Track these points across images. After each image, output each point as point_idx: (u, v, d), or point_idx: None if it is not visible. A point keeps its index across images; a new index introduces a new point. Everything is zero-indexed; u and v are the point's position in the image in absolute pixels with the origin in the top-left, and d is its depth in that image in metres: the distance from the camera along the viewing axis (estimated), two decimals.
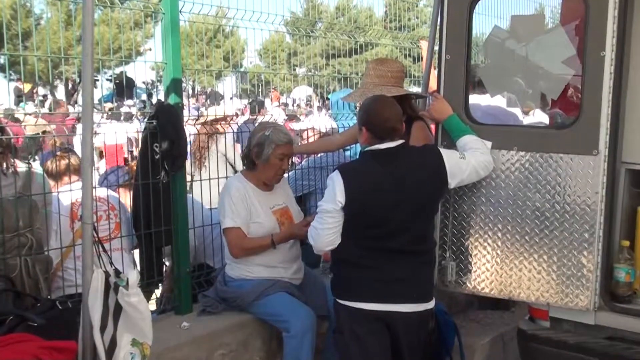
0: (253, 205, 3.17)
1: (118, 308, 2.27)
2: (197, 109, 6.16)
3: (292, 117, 9.86)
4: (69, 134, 6.70)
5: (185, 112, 3.38)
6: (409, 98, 3.26)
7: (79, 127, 3.29)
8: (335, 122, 4.97)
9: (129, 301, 2.26)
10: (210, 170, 4.13)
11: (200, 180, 3.76)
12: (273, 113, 6.35)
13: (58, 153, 3.51)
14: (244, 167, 3.31)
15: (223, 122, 4.17)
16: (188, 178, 3.54)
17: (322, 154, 4.20)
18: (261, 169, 3.20)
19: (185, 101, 3.38)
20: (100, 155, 6.50)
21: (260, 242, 3.14)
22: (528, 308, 3.11)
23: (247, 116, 6.98)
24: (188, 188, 3.44)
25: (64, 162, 3.39)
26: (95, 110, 2.72)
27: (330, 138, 4.07)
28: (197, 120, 3.89)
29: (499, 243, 2.96)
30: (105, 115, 4.55)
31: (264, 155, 3.15)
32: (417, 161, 2.70)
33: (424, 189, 2.67)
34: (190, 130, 3.57)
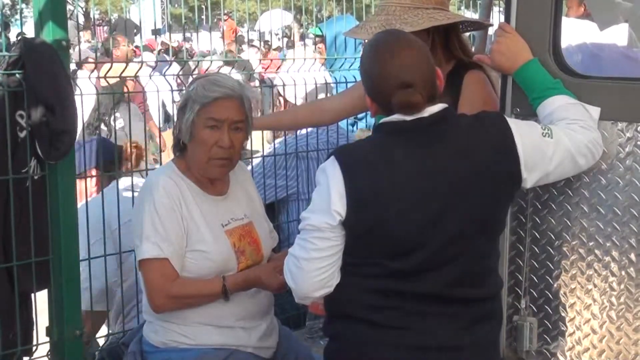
0: (192, 221, 3.04)
1: None
2: (95, 49, 6.06)
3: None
4: None
5: (75, 56, 3.30)
6: (457, 31, 3.25)
7: None
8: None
9: None
10: None
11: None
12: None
13: None
14: (176, 154, 3.21)
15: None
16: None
17: (307, 129, 4.26)
18: (191, 153, 3.11)
19: (71, 36, 3.28)
20: None
21: (203, 287, 3.04)
22: None
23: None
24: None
25: None
26: None
27: (321, 102, 4.12)
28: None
29: (615, 284, 2.85)
30: None
31: (184, 126, 3.05)
32: (470, 141, 2.65)
33: (481, 190, 2.62)
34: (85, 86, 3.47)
